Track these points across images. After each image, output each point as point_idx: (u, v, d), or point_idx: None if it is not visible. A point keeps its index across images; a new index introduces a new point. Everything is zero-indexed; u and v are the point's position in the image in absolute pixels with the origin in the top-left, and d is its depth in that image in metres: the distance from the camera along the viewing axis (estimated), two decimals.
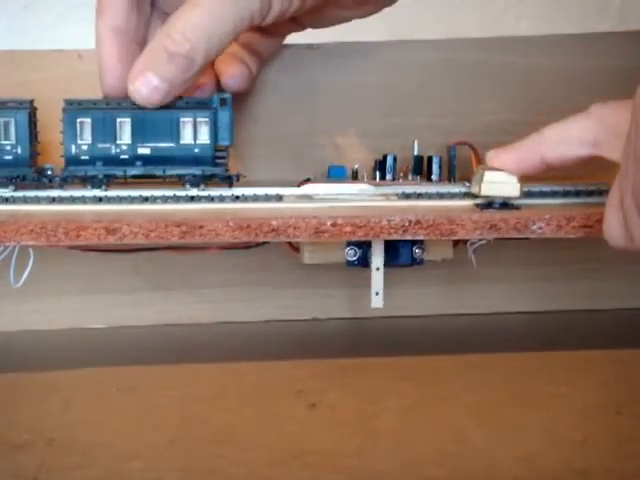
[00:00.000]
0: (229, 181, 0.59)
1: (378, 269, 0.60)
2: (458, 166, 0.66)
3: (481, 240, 0.60)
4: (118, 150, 0.59)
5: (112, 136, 0.59)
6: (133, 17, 0.58)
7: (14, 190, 0.58)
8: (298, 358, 0.64)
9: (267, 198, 0.58)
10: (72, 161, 0.59)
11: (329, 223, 0.53)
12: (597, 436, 0.52)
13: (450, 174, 0.66)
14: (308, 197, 0.59)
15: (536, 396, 0.57)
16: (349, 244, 0.60)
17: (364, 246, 0.60)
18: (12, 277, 0.60)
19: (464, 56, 0.70)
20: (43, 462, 0.49)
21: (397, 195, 0.59)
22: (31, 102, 0.59)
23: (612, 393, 0.58)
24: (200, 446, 0.51)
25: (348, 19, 0.63)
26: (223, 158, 0.60)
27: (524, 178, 0.56)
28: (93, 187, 0.59)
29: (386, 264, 0.60)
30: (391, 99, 0.70)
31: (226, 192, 0.58)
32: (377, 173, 0.66)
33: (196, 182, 0.59)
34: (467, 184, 0.60)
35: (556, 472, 0.48)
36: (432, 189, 0.60)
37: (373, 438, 0.52)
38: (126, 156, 0.59)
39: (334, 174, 0.66)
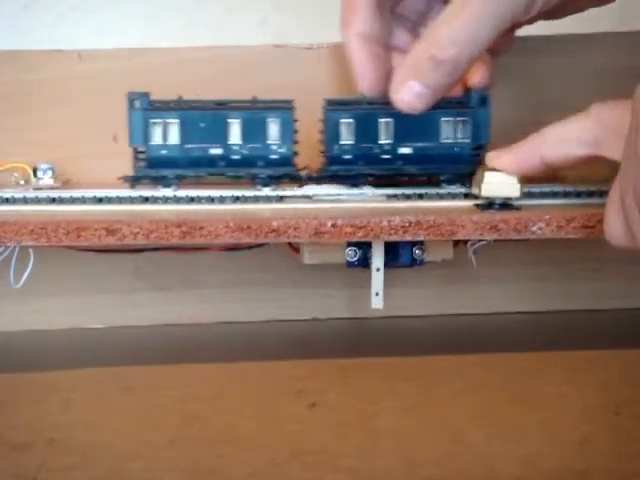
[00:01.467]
0: None
1: (378, 270, 0.60)
2: None
3: (481, 241, 0.60)
4: (379, 150, 0.59)
5: (374, 136, 0.59)
6: (377, 23, 0.60)
7: (274, 189, 0.59)
8: (298, 358, 0.64)
9: (267, 199, 0.58)
10: (334, 160, 0.60)
11: (329, 224, 0.53)
12: (597, 436, 0.52)
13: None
14: (308, 198, 0.59)
15: (536, 396, 0.57)
16: (349, 245, 0.60)
17: (364, 247, 0.60)
18: (12, 277, 0.60)
19: None
20: (43, 462, 0.49)
21: (397, 196, 0.59)
22: (292, 102, 0.60)
23: (612, 393, 0.58)
24: (200, 446, 0.51)
25: (586, 8, 0.63)
26: (478, 156, 0.60)
27: (525, 178, 0.56)
28: (353, 185, 0.60)
29: (386, 265, 0.60)
30: None
31: (226, 193, 0.58)
32: None
33: (453, 180, 0.60)
34: (467, 185, 0.60)
35: (556, 472, 0.48)
36: (432, 190, 0.60)
37: (373, 438, 0.52)
38: (388, 156, 0.59)
39: None
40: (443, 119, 0.59)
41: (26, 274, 0.61)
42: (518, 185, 0.55)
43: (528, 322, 0.72)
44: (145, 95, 0.59)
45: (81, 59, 0.68)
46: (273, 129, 0.59)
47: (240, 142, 0.59)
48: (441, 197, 0.59)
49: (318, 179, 0.61)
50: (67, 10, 0.70)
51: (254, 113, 0.59)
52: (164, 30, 0.71)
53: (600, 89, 0.63)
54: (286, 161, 0.59)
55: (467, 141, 0.60)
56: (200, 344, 0.69)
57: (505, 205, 0.56)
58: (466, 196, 0.59)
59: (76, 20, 0.70)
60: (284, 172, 0.59)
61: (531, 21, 0.60)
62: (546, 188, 0.60)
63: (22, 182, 0.63)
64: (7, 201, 0.58)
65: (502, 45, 0.64)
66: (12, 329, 0.70)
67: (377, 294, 0.60)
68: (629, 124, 0.48)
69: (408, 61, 0.56)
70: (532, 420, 0.54)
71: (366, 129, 0.59)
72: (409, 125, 0.59)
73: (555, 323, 0.72)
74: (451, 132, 0.60)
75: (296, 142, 0.59)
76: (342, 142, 0.59)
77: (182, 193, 0.58)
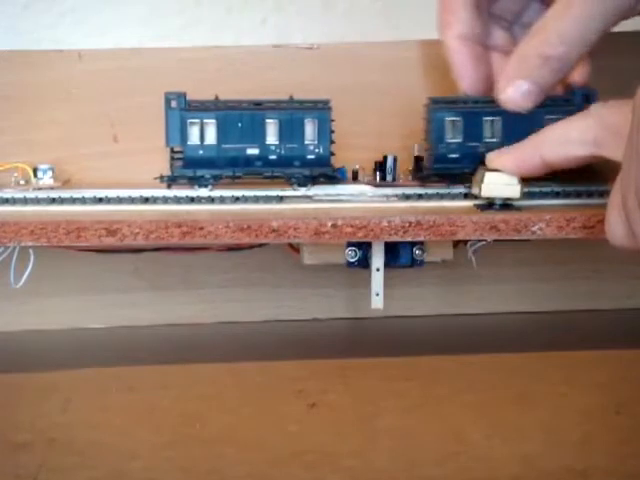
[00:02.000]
0: None
1: (378, 270, 0.60)
2: None
3: (481, 241, 0.60)
4: (484, 149, 0.59)
5: (479, 134, 0.59)
6: (476, 23, 0.60)
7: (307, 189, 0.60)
8: (298, 358, 0.64)
9: (267, 199, 0.58)
10: (440, 159, 0.60)
11: (329, 224, 0.53)
12: (597, 436, 0.52)
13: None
14: (308, 198, 0.59)
15: (536, 396, 0.57)
16: (349, 245, 0.60)
17: (364, 247, 0.60)
18: (12, 278, 0.60)
19: None
20: (43, 462, 0.49)
21: (397, 196, 0.59)
22: (329, 102, 0.60)
23: (612, 393, 0.58)
24: (200, 446, 0.51)
25: None
26: None
27: (525, 179, 0.56)
28: (456, 183, 0.60)
29: (386, 265, 0.60)
30: (391, 99, 0.70)
31: (226, 193, 0.58)
32: (377, 174, 0.66)
33: (555, 178, 0.59)
34: (467, 186, 0.60)
35: (556, 472, 0.48)
36: (432, 190, 0.60)
37: (373, 438, 0.52)
38: None
39: None
40: (547, 117, 0.59)
41: (26, 274, 0.61)
42: (518, 186, 0.55)
43: (528, 322, 0.72)
44: (182, 95, 0.59)
45: (81, 59, 0.68)
46: (310, 129, 0.59)
47: (277, 142, 0.59)
48: (441, 197, 0.59)
49: (422, 178, 0.61)
50: (67, 10, 0.70)
51: (292, 113, 0.59)
52: (164, 30, 0.71)
53: (600, 89, 0.63)
54: (323, 161, 0.59)
55: None
56: (200, 344, 0.69)
57: (505, 206, 0.56)
58: (466, 196, 0.59)
59: (76, 20, 0.70)
60: (320, 172, 0.60)
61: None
62: (546, 188, 0.60)
63: (22, 182, 0.63)
64: (7, 201, 0.58)
65: (598, 41, 0.64)
66: (12, 329, 0.70)
67: (377, 294, 0.60)
68: (630, 124, 0.48)
69: (515, 59, 0.56)
70: (532, 420, 0.54)
71: (471, 127, 0.59)
72: (514, 123, 0.59)
73: (555, 323, 0.72)
74: None
75: (333, 142, 0.60)
76: (448, 140, 0.60)
77: (182, 193, 0.58)
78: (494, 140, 0.59)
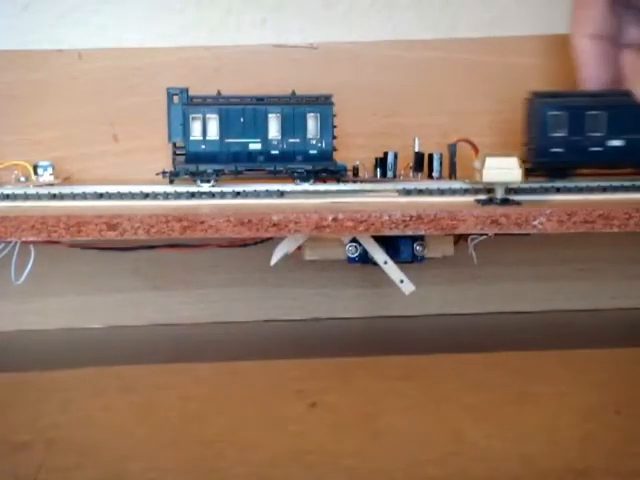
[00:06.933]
0: None
1: (386, 262, 0.60)
2: (458, 164, 0.66)
3: (482, 236, 0.60)
4: (588, 142, 0.59)
5: (583, 128, 0.60)
6: (609, 21, 0.59)
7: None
8: (298, 358, 0.64)
9: (268, 194, 0.58)
10: (542, 153, 0.60)
11: (330, 218, 0.53)
12: (597, 436, 0.52)
13: (451, 171, 0.66)
14: (309, 193, 0.59)
15: (536, 396, 0.57)
16: (350, 241, 0.60)
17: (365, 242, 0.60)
18: (13, 275, 0.60)
19: (463, 56, 0.70)
20: (43, 462, 0.49)
21: (398, 191, 0.59)
22: (331, 97, 0.60)
23: (612, 393, 0.58)
24: (200, 446, 0.51)
25: None
26: None
27: (527, 173, 0.56)
28: (556, 177, 0.60)
29: None
30: (390, 98, 0.70)
31: (227, 188, 0.58)
32: (378, 170, 0.66)
33: None
34: (467, 181, 0.60)
35: (556, 472, 0.48)
36: (433, 185, 0.60)
37: (373, 438, 0.52)
38: (599, 148, 0.60)
39: None
40: None
41: (26, 271, 0.61)
42: (519, 170, 0.55)
43: (528, 322, 0.72)
44: (184, 90, 0.59)
45: (81, 59, 0.68)
46: (312, 124, 0.59)
47: (279, 137, 0.59)
48: (442, 192, 0.59)
49: (528, 171, 0.60)
50: (67, 10, 0.70)
51: (294, 108, 0.59)
52: (164, 30, 0.71)
53: None
54: (325, 156, 0.59)
55: None
56: (200, 344, 0.69)
57: (506, 200, 0.56)
58: (466, 192, 0.59)
59: (76, 20, 0.70)
60: (323, 167, 0.60)
61: None
62: (547, 184, 0.60)
63: (23, 179, 0.63)
64: (8, 197, 0.57)
65: None
66: (12, 329, 0.70)
67: (402, 281, 0.61)
68: None
69: None
70: (532, 420, 0.54)
71: (576, 121, 0.60)
72: (620, 117, 0.59)
73: (555, 323, 0.72)
74: None
75: (335, 137, 0.60)
76: (550, 134, 0.60)
77: (182, 189, 0.58)
78: (599, 134, 0.60)
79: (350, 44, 0.70)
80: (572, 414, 0.55)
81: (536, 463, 0.49)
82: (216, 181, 0.59)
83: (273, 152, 0.59)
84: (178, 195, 0.58)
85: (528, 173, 0.60)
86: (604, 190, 0.59)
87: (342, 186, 0.60)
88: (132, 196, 0.57)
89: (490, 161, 0.55)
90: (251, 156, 0.59)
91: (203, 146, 0.59)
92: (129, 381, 0.60)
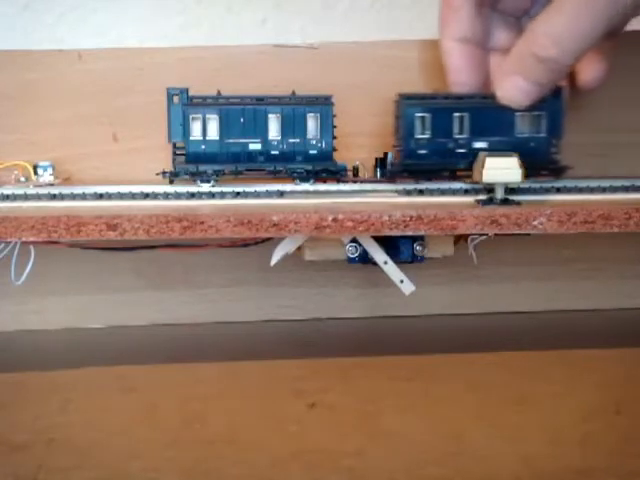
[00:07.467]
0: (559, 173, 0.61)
1: (386, 263, 0.60)
2: None
3: (482, 236, 0.60)
4: (454, 144, 0.60)
5: (449, 130, 0.60)
6: (476, 25, 0.59)
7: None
8: (298, 358, 0.64)
9: (268, 194, 0.58)
10: (409, 155, 0.60)
11: (330, 218, 0.53)
12: (597, 436, 0.52)
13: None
14: (309, 193, 0.59)
15: (536, 396, 0.57)
16: (350, 241, 0.60)
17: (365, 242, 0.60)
18: (13, 275, 0.60)
19: None
20: (43, 462, 0.49)
21: (398, 191, 0.59)
22: (331, 97, 0.60)
23: (612, 393, 0.58)
24: (200, 446, 0.51)
25: None
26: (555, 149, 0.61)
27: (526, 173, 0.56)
28: (422, 179, 0.60)
29: None
30: (391, 98, 0.70)
31: (227, 188, 0.58)
32: (378, 170, 0.66)
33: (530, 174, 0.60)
34: (467, 181, 0.60)
35: (556, 472, 0.48)
36: (433, 185, 0.60)
37: (373, 438, 0.52)
38: (464, 150, 0.60)
39: None
40: (518, 113, 0.59)
41: (26, 272, 0.61)
42: (520, 170, 0.55)
43: (528, 322, 0.72)
44: (184, 90, 0.59)
45: (81, 59, 0.68)
46: (312, 124, 0.59)
47: (279, 137, 0.59)
48: (442, 193, 0.59)
49: (392, 174, 0.61)
50: (67, 10, 0.70)
51: (294, 108, 0.59)
52: (164, 30, 0.71)
53: (599, 88, 0.63)
54: (325, 156, 0.60)
55: (542, 135, 0.60)
56: (200, 344, 0.69)
57: (506, 200, 0.56)
58: (466, 192, 0.59)
59: (76, 20, 0.70)
60: (323, 167, 0.60)
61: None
62: (547, 183, 0.60)
63: (23, 179, 0.63)
64: (8, 197, 0.57)
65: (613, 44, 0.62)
66: (12, 329, 0.70)
67: (402, 281, 0.61)
68: None
69: (512, 57, 0.56)
70: (532, 420, 0.54)
71: (441, 123, 0.60)
72: (484, 119, 0.59)
73: (556, 323, 0.72)
74: (526, 126, 0.60)
75: (335, 137, 0.60)
76: (417, 136, 0.60)
77: (183, 189, 0.58)
78: (463, 136, 0.60)
79: (350, 44, 0.70)
80: (572, 414, 0.55)
81: (536, 463, 0.49)
82: (216, 181, 0.59)
83: (273, 152, 0.59)
84: (178, 195, 0.58)
85: (395, 175, 0.61)
86: (604, 190, 0.59)
87: (342, 186, 0.60)
88: (132, 196, 0.58)
89: (490, 161, 0.55)
90: (251, 156, 0.59)
91: (203, 146, 0.59)
92: (129, 381, 0.60)
